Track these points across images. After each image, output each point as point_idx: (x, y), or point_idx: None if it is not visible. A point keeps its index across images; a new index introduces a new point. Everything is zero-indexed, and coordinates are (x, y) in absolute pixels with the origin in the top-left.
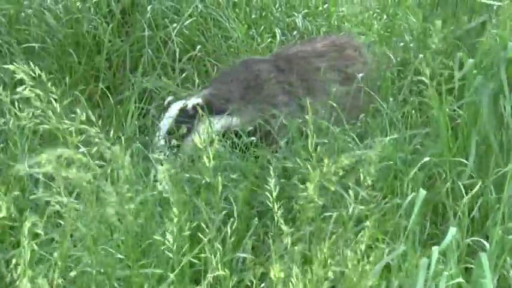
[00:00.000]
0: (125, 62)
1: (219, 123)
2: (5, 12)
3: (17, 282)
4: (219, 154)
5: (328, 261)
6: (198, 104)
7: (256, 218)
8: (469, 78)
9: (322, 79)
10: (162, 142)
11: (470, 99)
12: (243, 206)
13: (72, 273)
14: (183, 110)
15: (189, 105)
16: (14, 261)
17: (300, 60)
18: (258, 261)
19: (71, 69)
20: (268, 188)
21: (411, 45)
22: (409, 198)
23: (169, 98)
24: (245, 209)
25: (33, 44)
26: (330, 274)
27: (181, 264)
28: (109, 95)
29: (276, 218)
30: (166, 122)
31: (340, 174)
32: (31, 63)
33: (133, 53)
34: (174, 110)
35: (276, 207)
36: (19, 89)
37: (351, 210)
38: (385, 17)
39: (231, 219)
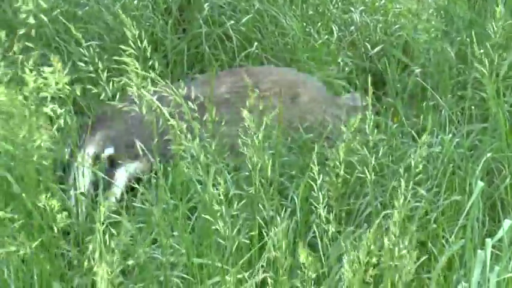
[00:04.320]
0: (182, 59)
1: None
2: (63, 10)
3: (95, 268)
4: (278, 151)
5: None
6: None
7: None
8: None
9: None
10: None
11: None
12: (302, 202)
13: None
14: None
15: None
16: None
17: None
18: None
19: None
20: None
21: (468, 39)
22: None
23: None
24: (304, 206)
25: (92, 42)
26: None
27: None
28: None
29: (321, 202)
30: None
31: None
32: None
33: (191, 50)
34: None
35: (320, 195)
36: None
37: (406, 205)
38: (442, 12)
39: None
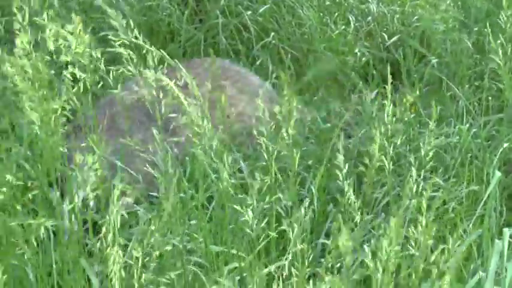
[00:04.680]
0: (199, 49)
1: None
2: (80, 0)
3: (107, 250)
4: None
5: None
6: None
7: (332, 205)
8: None
9: None
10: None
11: None
12: (320, 192)
13: (168, 247)
14: None
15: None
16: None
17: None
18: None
19: (145, 57)
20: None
21: (485, 30)
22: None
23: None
24: (321, 195)
25: (107, 32)
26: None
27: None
28: None
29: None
30: None
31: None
32: None
33: (208, 41)
34: None
35: (346, 184)
36: None
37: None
38: (459, 3)
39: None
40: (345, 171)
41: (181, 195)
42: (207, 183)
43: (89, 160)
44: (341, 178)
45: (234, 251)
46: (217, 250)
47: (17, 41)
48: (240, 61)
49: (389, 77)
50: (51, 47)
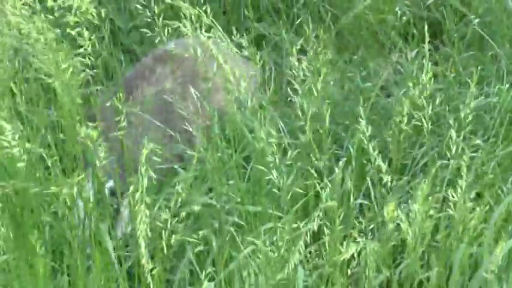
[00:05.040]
0: (239, 7)
1: None
2: None
3: (135, 208)
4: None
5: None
6: None
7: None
8: None
9: None
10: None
11: None
12: (358, 152)
13: (197, 208)
14: None
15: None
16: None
17: None
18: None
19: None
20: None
21: None
22: None
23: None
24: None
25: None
26: (432, 212)
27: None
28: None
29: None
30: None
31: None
32: None
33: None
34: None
35: (370, 147)
36: None
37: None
38: None
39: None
40: (368, 134)
41: (219, 154)
42: (244, 143)
43: (92, 135)
44: (366, 142)
45: (270, 211)
46: (254, 210)
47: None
48: (280, 20)
49: (427, 35)
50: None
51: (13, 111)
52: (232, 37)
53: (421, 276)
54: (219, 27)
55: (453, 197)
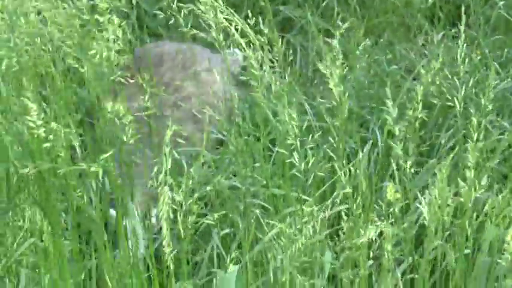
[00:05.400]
0: None
1: None
2: None
3: (158, 189)
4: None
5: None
6: None
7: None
8: None
9: None
10: None
11: None
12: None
13: (218, 189)
14: None
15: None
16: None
17: None
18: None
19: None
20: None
21: None
22: None
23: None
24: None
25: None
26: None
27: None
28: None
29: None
30: None
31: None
32: None
33: None
34: None
35: (397, 129)
36: None
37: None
38: None
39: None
40: (394, 115)
41: (245, 137)
42: (270, 126)
43: (120, 110)
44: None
45: (295, 194)
46: (279, 193)
47: None
48: (306, 3)
49: (463, 16)
50: None
51: (38, 94)
52: (249, 21)
53: (446, 259)
54: (235, 14)
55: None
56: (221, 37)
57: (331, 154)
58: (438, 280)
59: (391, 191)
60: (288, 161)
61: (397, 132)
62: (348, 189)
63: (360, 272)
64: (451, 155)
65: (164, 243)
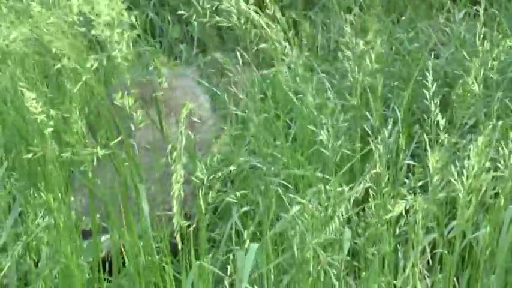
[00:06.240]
0: None
1: None
2: None
3: (172, 167)
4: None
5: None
6: None
7: (418, 126)
8: None
9: None
10: None
11: None
12: (406, 112)
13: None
14: None
15: None
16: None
17: None
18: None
19: None
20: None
21: None
22: None
23: None
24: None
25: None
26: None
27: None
28: None
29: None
30: None
31: None
32: None
33: None
34: None
35: (433, 105)
36: None
37: None
38: None
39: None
40: (432, 90)
41: (265, 115)
42: (290, 104)
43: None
44: (428, 98)
45: (318, 174)
46: (299, 173)
47: None
48: None
49: None
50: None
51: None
52: (267, 10)
53: (471, 235)
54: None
55: (502, 153)
56: (242, 20)
57: (368, 131)
58: (467, 255)
59: (434, 158)
60: (318, 138)
61: (433, 108)
62: (379, 168)
63: (385, 248)
64: (489, 128)
65: (174, 220)
